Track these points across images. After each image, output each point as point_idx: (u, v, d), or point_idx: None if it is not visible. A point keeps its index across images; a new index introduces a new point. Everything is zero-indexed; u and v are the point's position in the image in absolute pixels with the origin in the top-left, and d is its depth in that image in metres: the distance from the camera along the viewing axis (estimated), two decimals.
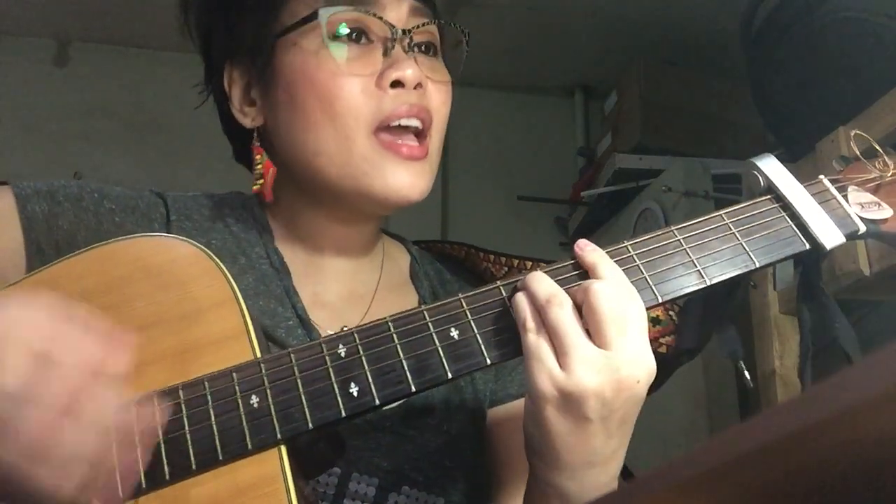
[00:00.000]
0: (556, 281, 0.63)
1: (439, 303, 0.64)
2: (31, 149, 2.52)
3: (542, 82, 2.92)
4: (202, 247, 0.67)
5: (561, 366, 0.59)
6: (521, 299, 0.62)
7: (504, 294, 0.64)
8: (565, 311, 0.60)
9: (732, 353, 0.73)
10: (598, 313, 0.59)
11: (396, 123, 0.77)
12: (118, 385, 0.55)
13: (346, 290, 0.86)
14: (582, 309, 0.60)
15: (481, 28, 2.58)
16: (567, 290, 0.62)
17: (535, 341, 0.60)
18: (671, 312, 0.79)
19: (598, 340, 0.59)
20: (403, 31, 0.78)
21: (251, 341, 0.62)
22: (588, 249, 0.65)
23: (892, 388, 0.27)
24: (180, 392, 0.60)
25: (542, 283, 0.62)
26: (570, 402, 0.59)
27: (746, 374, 0.74)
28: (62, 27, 2.60)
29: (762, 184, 0.71)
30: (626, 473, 0.74)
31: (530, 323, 0.60)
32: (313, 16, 0.77)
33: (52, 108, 2.58)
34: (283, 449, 0.59)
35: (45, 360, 0.52)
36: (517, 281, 0.65)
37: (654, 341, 0.78)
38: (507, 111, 2.92)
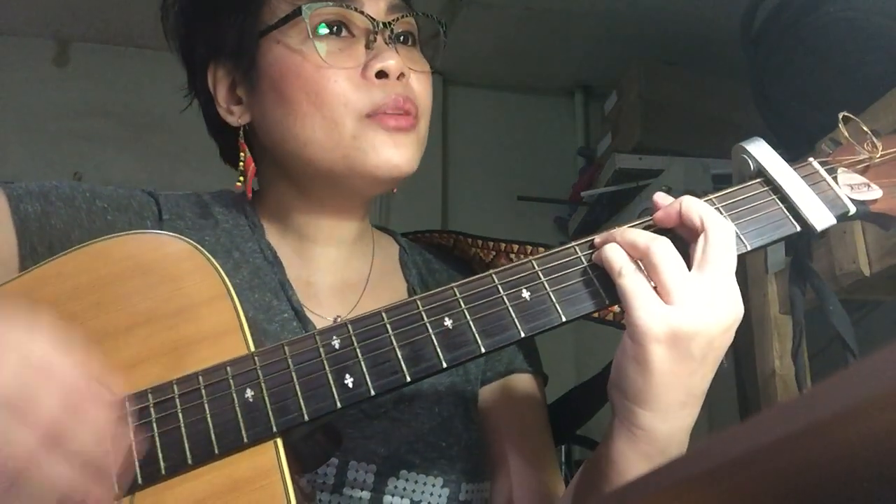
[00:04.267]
0: (562, 270, 0.65)
1: (432, 292, 0.65)
2: (31, 149, 2.52)
3: (542, 82, 2.92)
4: (194, 243, 0.67)
5: (668, 301, 0.59)
6: (613, 248, 0.63)
7: (496, 282, 0.65)
8: (669, 249, 0.60)
9: None
10: (717, 245, 0.60)
11: (383, 112, 0.79)
12: (102, 425, 0.54)
13: (338, 280, 0.87)
14: (697, 240, 0.61)
15: (481, 28, 2.59)
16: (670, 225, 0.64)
17: (635, 280, 0.60)
18: None
19: (708, 270, 0.60)
20: (384, 24, 0.81)
21: (245, 335, 0.63)
22: (691, 201, 0.65)
23: (892, 388, 0.26)
24: (174, 387, 0.60)
25: (636, 231, 0.63)
26: (678, 338, 0.59)
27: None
28: (62, 27, 2.60)
29: (752, 167, 0.71)
30: None
31: (629, 265, 0.61)
32: (296, 13, 0.79)
33: (52, 108, 2.58)
34: (279, 441, 0.59)
35: (32, 387, 0.51)
36: (509, 269, 0.65)
37: None
38: (507, 111, 2.92)
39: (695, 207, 0.63)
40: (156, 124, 2.53)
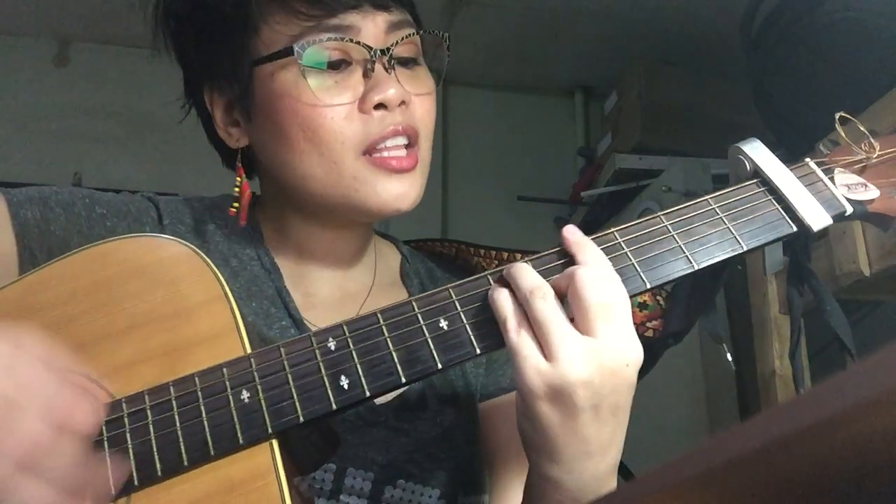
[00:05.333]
0: (541, 270, 0.63)
1: (428, 293, 0.64)
2: (31, 149, 2.52)
3: (542, 82, 2.92)
4: (191, 246, 0.67)
5: (547, 358, 0.59)
6: (501, 294, 0.62)
7: (492, 283, 0.64)
8: (548, 303, 0.59)
9: (714, 335, 0.73)
10: (583, 300, 0.59)
11: (383, 146, 0.77)
12: (82, 442, 0.54)
13: (338, 292, 0.86)
14: (566, 296, 0.60)
15: (481, 28, 2.59)
16: (551, 279, 0.62)
17: (518, 337, 0.60)
18: (658, 297, 0.79)
19: (583, 328, 0.59)
20: (382, 51, 0.77)
21: (241, 337, 0.62)
22: (577, 235, 0.65)
23: (892, 388, 0.26)
24: (171, 388, 0.60)
25: (525, 275, 0.62)
26: (560, 393, 0.58)
27: (729, 356, 0.74)
28: (62, 27, 2.60)
29: (748, 168, 0.71)
30: (626, 473, 0.74)
31: (511, 321, 0.60)
32: (288, 51, 0.76)
33: (52, 108, 2.58)
34: (275, 443, 0.59)
35: (12, 406, 0.51)
36: (503, 269, 0.64)
37: (640, 325, 0.79)
38: (507, 111, 2.93)
39: (571, 244, 0.63)
40: (156, 124, 2.53)
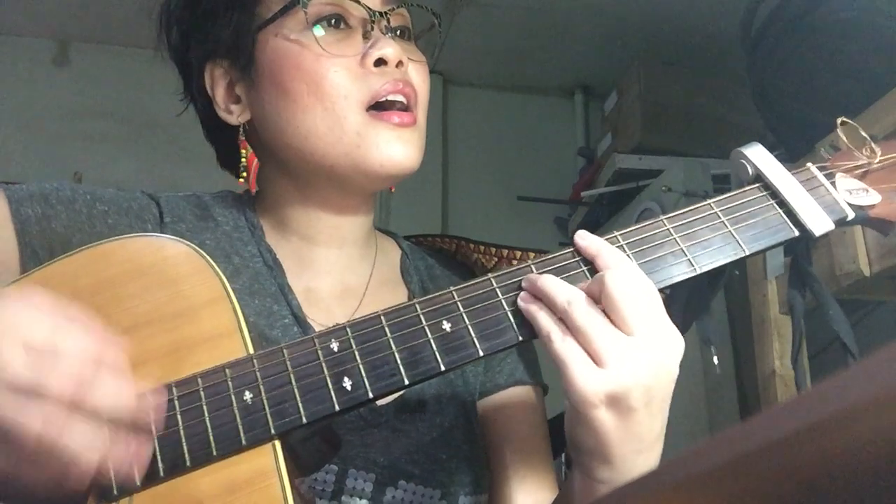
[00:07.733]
0: (564, 276, 0.64)
1: (431, 296, 0.65)
2: (31, 149, 2.52)
3: (542, 82, 2.92)
4: (194, 246, 0.67)
5: (598, 364, 0.59)
6: (537, 308, 0.62)
7: (495, 285, 0.65)
8: (589, 311, 0.60)
9: (704, 338, 0.74)
10: (618, 302, 0.59)
11: (384, 99, 0.80)
12: (121, 374, 0.55)
13: (339, 284, 0.86)
14: (600, 302, 0.61)
15: (481, 28, 2.59)
16: (581, 286, 0.62)
17: (565, 349, 0.60)
18: None
19: (626, 329, 0.60)
20: (381, 14, 0.82)
21: (244, 338, 0.62)
22: (590, 239, 0.66)
23: (893, 388, 0.26)
24: (173, 389, 0.60)
25: (555, 287, 0.62)
26: (616, 397, 0.59)
27: (716, 359, 0.75)
28: (62, 27, 2.60)
29: (750, 172, 0.71)
30: None
31: (555, 333, 0.60)
32: (294, 2, 0.80)
33: (52, 108, 2.58)
34: (278, 444, 0.59)
35: (47, 352, 0.52)
36: (508, 273, 0.65)
37: None
38: (507, 111, 2.93)
39: (591, 250, 0.64)
40: (156, 124, 2.53)
